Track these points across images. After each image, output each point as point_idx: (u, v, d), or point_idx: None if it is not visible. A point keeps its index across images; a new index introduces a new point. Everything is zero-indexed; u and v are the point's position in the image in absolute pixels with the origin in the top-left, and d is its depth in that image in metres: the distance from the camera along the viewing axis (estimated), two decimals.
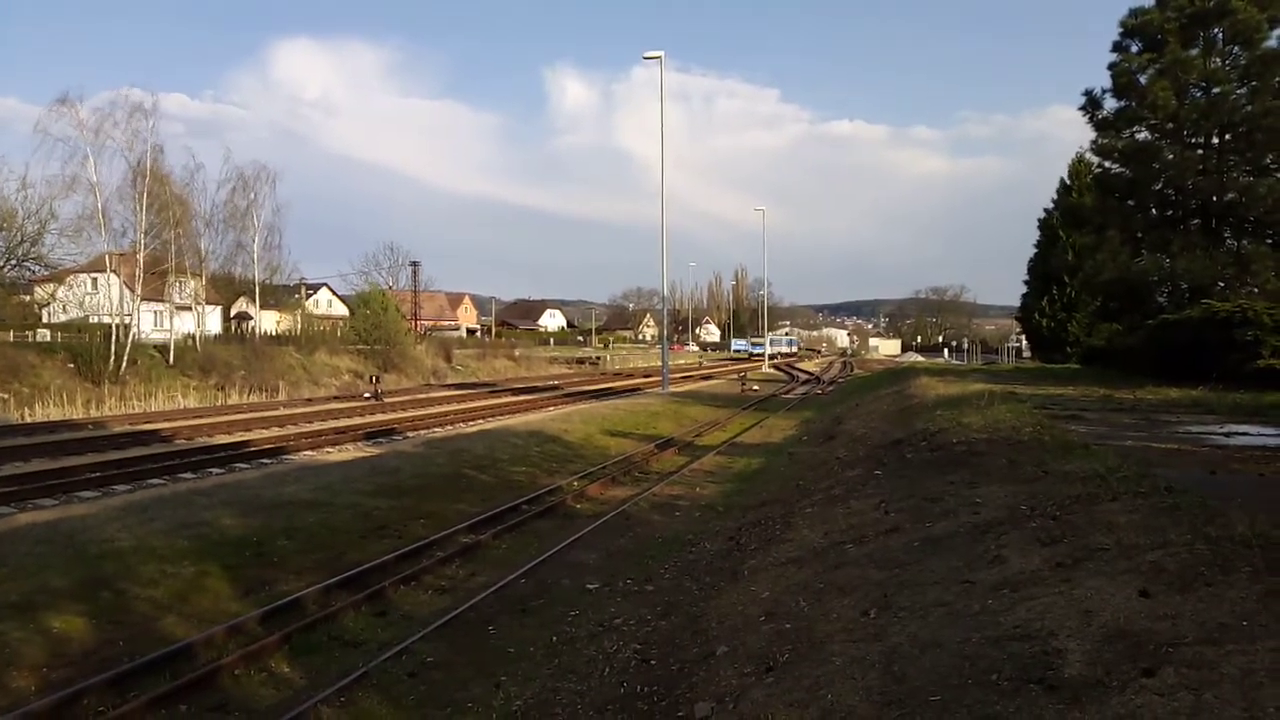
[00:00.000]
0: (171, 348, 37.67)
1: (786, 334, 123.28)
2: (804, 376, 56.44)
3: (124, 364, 33.30)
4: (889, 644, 4.91)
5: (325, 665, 6.98)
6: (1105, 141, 29.01)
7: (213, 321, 51.63)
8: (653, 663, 6.58)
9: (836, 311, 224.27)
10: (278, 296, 62.65)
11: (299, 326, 56.39)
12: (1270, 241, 26.31)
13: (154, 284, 38.32)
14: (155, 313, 44.33)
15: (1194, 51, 26.90)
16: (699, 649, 6.46)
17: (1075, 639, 4.16)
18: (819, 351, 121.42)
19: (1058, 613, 4.55)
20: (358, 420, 25.20)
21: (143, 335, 39.07)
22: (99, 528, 9.77)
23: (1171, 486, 6.85)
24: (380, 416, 26.25)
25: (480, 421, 24.58)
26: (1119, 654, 3.89)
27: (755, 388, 41.59)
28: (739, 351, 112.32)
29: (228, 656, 6.81)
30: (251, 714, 6.16)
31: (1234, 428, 12.31)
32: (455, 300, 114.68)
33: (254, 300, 51.21)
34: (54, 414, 27.12)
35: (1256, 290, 24.86)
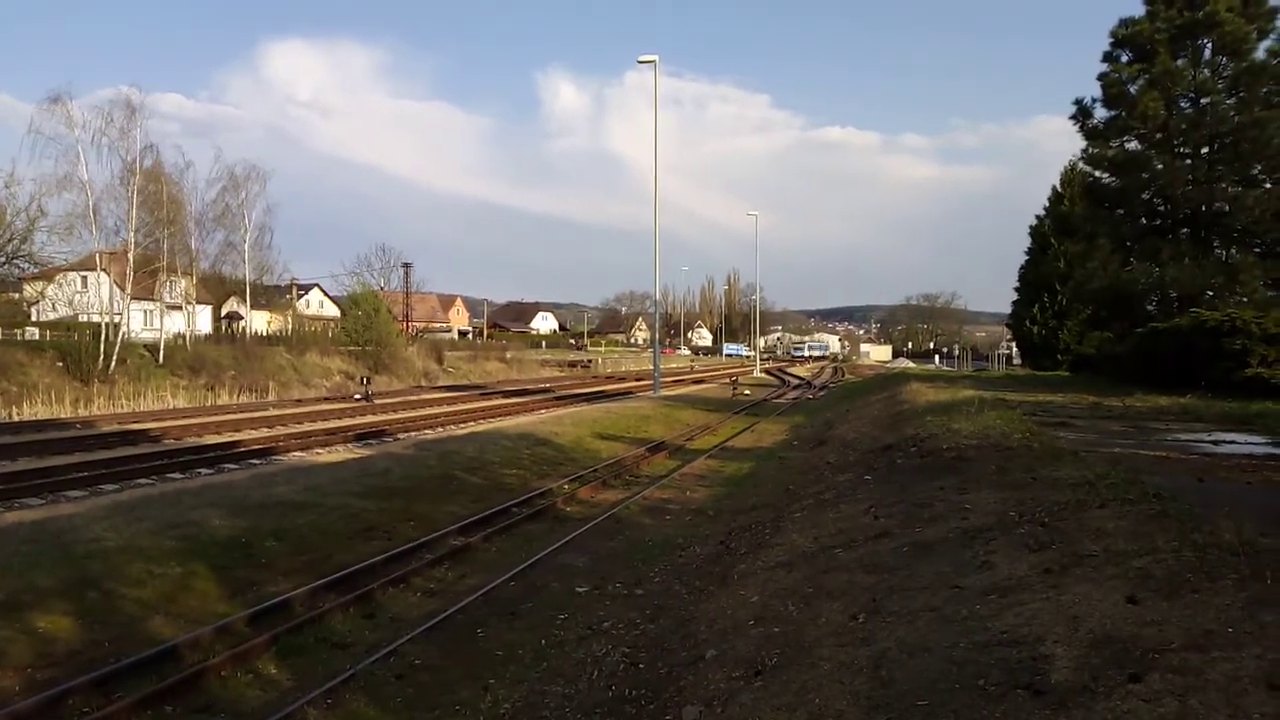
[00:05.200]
0: (161, 347, 37.45)
1: (779, 337, 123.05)
2: (795, 381, 56.61)
3: (113, 363, 33.08)
4: (877, 648, 4.92)
5: (313, 667, 6.95)
6: (1095, 151, 29.16)
7: (203, 321, 51.43)
8: (641, 666, 6.58)
9: (828, 317, 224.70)
10: (269, 296, 62.49)
11: (290, 327, 56.26)
12: (1258, 251, 26.48)
13: (144, 283, 38.06)
14: (145, 312, 44.05)
15: (1183, 62, 27.10)
16: (688, 653, 6.46)
17: (1063, 645, 4.17)
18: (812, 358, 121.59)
19: (1045, 618, 4.56)
20: (348, 421, 25.09)
21: (132, 334, 38.79)
22: (86, 527, 9.72)
23: (1159, 494, 6.88)
24: (371, 418, 26.15)
25: (471, 424, 24.52)
26: (1106, 660, 3.91)
27: (746, 392, 41.65)
28: (732, 356, 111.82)
29: (215, 658, 6.78)
30: (238, 715, 6.12)
31: (1222, 436, 12.39)
32: (447, 302, 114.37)
33: (244, 300, 50.98)
34: (42, 413, 26.91)
35: (1245, 299, 24.97)
